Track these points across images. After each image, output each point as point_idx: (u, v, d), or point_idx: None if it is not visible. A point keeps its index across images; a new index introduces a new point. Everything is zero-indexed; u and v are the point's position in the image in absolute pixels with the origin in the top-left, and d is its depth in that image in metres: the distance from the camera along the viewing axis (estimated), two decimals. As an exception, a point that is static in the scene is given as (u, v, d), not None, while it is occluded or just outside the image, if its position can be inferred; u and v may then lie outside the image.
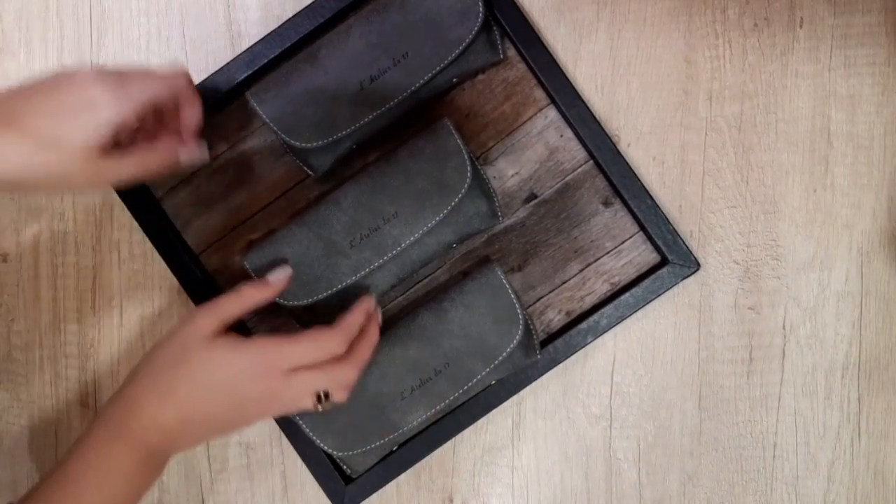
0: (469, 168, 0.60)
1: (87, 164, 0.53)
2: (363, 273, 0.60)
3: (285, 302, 0.60)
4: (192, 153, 0.59)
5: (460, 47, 0.60)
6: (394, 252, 0.60)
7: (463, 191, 0.60)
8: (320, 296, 0.60)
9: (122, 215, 0.65)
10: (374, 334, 0.59)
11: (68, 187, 0.56)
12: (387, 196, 0.60)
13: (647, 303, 0.63)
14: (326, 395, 0.57)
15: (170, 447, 0.56)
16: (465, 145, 0.60)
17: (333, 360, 0.56)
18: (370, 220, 0.60)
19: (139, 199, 0.64)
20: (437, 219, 0.60)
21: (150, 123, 0.59)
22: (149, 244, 0.64)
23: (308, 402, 0.56)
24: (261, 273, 0.60)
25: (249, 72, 0.62)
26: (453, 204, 0.60)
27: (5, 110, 0.53)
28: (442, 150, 0.60)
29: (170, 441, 0.55)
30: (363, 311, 0.58)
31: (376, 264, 0.60)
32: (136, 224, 0.64)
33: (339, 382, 0.56)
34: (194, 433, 0.56)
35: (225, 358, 0.55)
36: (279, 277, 0.59)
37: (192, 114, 0.59)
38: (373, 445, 0.61)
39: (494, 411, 0.64)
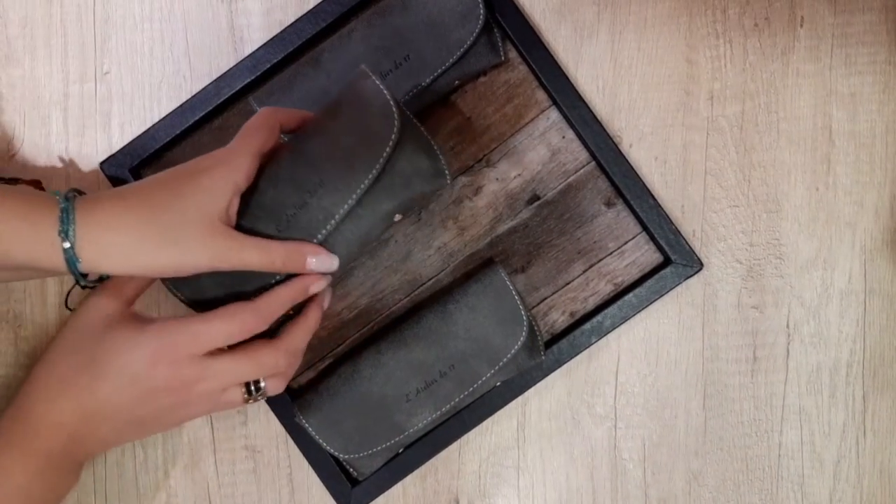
0: (395, 111, 0.51)
1: (209, 233, 0.49)
2: None
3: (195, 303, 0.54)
4: (322, 262, 0.52)
5: (461, 49, 0.60)
6: (328, 228, 0.51)
7: (393, 137, 0.50)
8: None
9: (127, 221, 0.65)
10: (311, 318, 0.54)
11: (186, 263, 0.49)
12: (308, 164, 0.51)
13: (651, 303, 0.63)
14: (257, 387, 0.52)
15: (76, 450, 0.51)
16: (385, 86, 0.52)
17: (259, 344, 0.52)
18: (294, 197, 0.51)
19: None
20: (370, 177, 0.50)
21: None
22: (154, 249, 0.65)
23: (236, 395, 0.52)
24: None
25: (252, 77, 0.63)
26: (385, 155, 0.50)
27: (120, 191, 0.51)
28: (361, 98, 0.52)
29: (74, 442, 0.50)
30: (296, 288, 0.52)
31: None
32: (141, 229, 0.64)
33: (269, 369, 0.52)
34: (103, 432, 0.51)
35: (126, 341, 0.50)
36: None
37: (298, 119, 0.54)
38: (379, 448, 0.61)
39: (499, 413, 0.64)
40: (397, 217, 0.55)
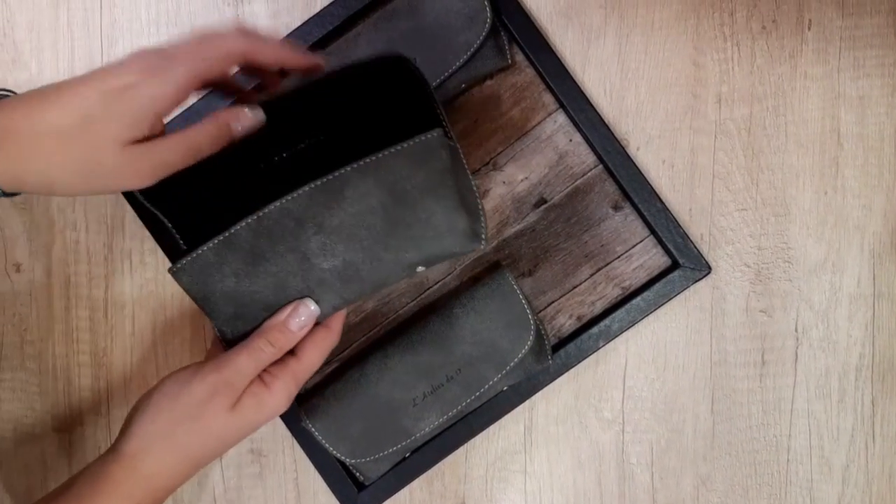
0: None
1: (124, 160, 0.45)
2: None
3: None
4: (244, 120, 0.48)
5: (468, 53, 0.60)
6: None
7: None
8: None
9: (134, 224, 0.65)
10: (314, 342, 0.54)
11: (109, 189, 0.48)
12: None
13: (659, 307, 0.63)
14: None
15: (160, 499, 0.53)
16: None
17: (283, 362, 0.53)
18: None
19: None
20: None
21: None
22: (160, 252, 0.65)
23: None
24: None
25: (258, 80, 0.63)
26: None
27: (31, 95, 0.46)
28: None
29: (164, 493, 0.53)
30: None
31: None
32: (147, 233, 0.64)
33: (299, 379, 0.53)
34: (181, 481, 0.53)
35: (247, 420, 0.52)
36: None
37: (272, 57, 0.49)
38: (385, 452, 0.61)
39: (506, 417, 0.63)
40: (420, 269, 0.52)
